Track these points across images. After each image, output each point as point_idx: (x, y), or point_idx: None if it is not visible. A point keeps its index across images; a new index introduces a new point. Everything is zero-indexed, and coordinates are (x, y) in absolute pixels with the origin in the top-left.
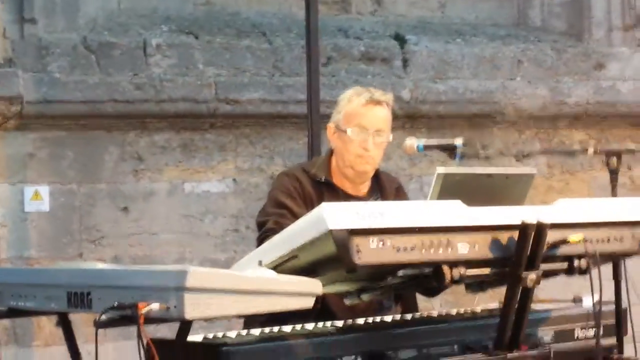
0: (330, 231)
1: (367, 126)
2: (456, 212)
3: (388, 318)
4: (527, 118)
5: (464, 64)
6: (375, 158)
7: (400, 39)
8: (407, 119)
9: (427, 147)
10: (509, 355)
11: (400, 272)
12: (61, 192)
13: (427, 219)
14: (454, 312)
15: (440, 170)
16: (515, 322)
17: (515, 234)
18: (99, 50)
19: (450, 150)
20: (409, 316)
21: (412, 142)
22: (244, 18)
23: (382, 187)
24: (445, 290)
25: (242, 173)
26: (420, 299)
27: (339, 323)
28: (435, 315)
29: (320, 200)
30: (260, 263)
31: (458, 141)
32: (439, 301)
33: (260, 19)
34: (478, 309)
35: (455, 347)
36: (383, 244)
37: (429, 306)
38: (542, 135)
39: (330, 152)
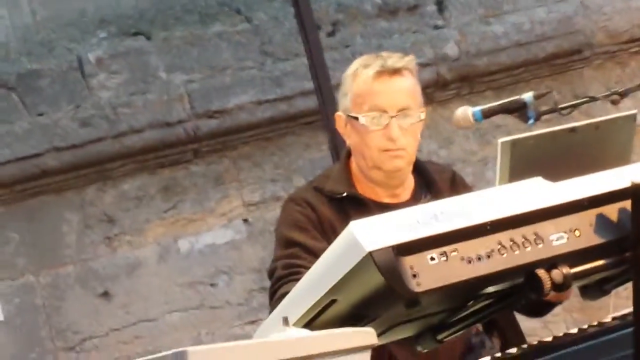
0: (370, 254)
1: (385, 107)
2: (538, 192)
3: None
4: (628, 42)
5: None
6: (408, 148)
7: None
8: (461, 82)
9: (486, 113)
10: None
11: (482, 291)
12: (14, 289)
13: (500, 210)
14: (573, 330)
15: (504, 140)
16: None
17: (627, 204)
18: (19, 84)
19: (519, 110)
20: (513, 351)
21: (465, 111)
22: None
23: (431, 183)
24: (561, 303)
25: (254, 209)
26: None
27: None
28: (550, 341)
29: (345, 224)
30: (285, 321)
31: (527, 96)
32: (562, 321)
33: None
34: (609, 319)
35: None
36: (446, 258)
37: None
38: None
39: (347, 154)
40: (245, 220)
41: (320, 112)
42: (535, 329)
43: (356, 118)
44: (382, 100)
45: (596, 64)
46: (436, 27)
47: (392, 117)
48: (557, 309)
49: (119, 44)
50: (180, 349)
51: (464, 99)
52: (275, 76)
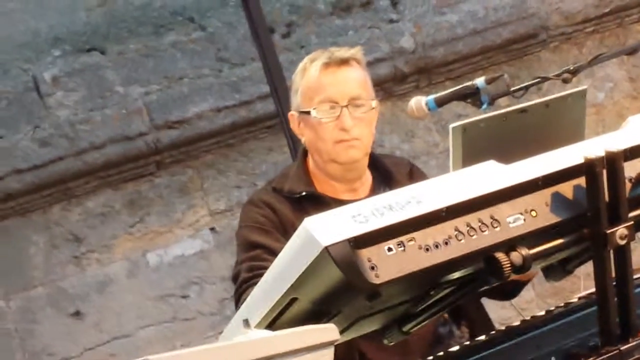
0: (327, 249)
1: (335, 98)
2: (491, 174)
3: (453, 349)
4: (583, 22)
5: None
6: (363, 138)
7: None
8: (419, 74)
9: (440, 101)
10: (623, 348)
11: (443, 279)
12: None
13: (454, 195)
14: (540, 313)
15: (455, 125)
16: (620, 300)
17: (582, 180)
18: None
19: (472, 95)
20: (482, 337)
21: (419, 101)
22: (159, 7)
23: (389, 177)
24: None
25: (220, 217)
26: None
27: None
28: (518, 325)
29: None
30: (246, 323)
31: (479, 81)
32: (536, 307)
33: (180, 0)
34: (575, 298)
35: (553, 359)
36: (404, 248)
37: (513, 317)
38: (610, 39)
39: (304, 153)
40: (213, 229)
41: (278, 115)
42: (511, 318)
43: (308, 113)
44: (331, 91)
45: (553, 46)
46: (391, 21)
47: (343, 107)
48: (530, 295)
49: (74, 61)
50: (142, 358)
51: (423, 91)
52: (233, 82)
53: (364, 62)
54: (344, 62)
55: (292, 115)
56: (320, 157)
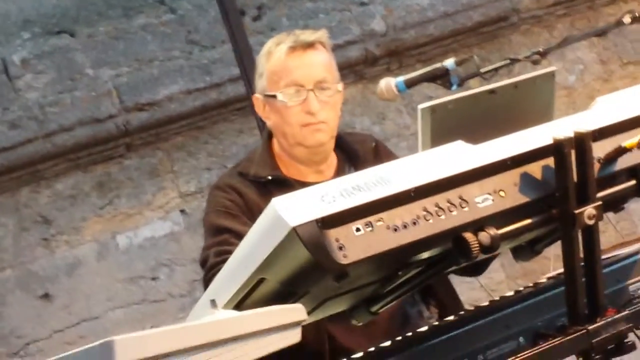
0: (294, 229)
1: (301, 81)
2: (460, 155)
3: (422, 329)
4: (554, 5)
5: None
6: (329, 121)
7: None
8: (390, 57)
9: (409, 83)
10: (591, 327)
11: (412, 259)
12: None
13: (423, 176)
14: (509, 293)
15: (423, 105)
16: (588, 280)
17: (550, 161)
18: None
19: (442, 77)
20: (450, 318)
21: (388, 82)
22: None
23: (355, 156)
24: (503, 264)
25: (190, 199)
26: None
27: (359, 355)
28: (487, 305)
29: None
30: (213, 303)
31: (449, 62)
32: (506, 288)
33: None
34: (544, 279)
35: (521, 339)
36: (372, 228)
37: (483, 298)
38: (581, 22)
39: (269, 136)
40: (183, 211)
41: (248, 97)
42: (480, 299)
43: (274, 96)
44: (297, 74)
45: (524, 29)
46: (362, 4)
47: (309, 90)
48: (500, 277)
49: (43, 44)
50: (108, 339)
51: (394, 73)
52: (203, 64)
53: (329, 45)
54: (310, 45)
55: (257, 98)
56: (286, 140)
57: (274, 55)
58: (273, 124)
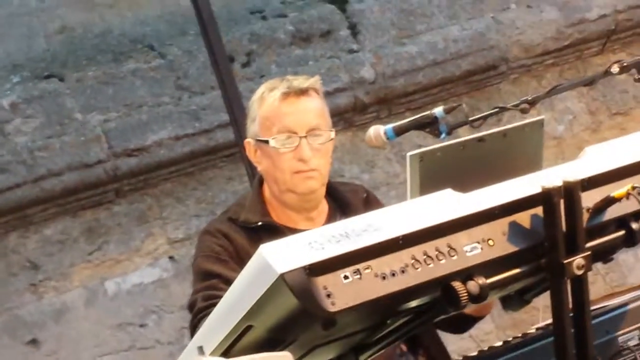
0: (282, 276)
1: (294, 128)
2: (449, 203)
3: None
4: (542, 54)
5: (433, 8)
6: (321, 168)
7: (339, 0)
8: (379, 105)
9: (398, 130)
10: None
11: (400, 307)
12: None
13: (411, 224)
14: (498, 343)
15: (412, 153)
16: (577, 331)
17: (539, 210)
18: None
19: (431, 125)
20: None
21: (377, 129)
22: (119, 35)
23: (345, 205)
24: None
25: (179, 245)
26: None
27: None
28: (475, 355)
29: None
30: (200, 350)
31: (438, 110)
32: (495, 339)
33: (140, 28)
34: (533, 330)
35: None
36: (360, 276)
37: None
38: (569, 72)
39: (260, 182)
40: (171, 258)
41: (238, 144)
42: (470, 349)
43: (266, 142)
44: (290, 121)
45: (512, 78)
46: (351, 51)
47: (302, 137)
48: (490, 327)
49: (32, 88)
50: None
51: (383, 121)
52: (193, 110)
53: (322, 92)
54: (303, 92)
55: (249, 142)
56: (278, 186)
57: (266, 100)
58: (264, 170)
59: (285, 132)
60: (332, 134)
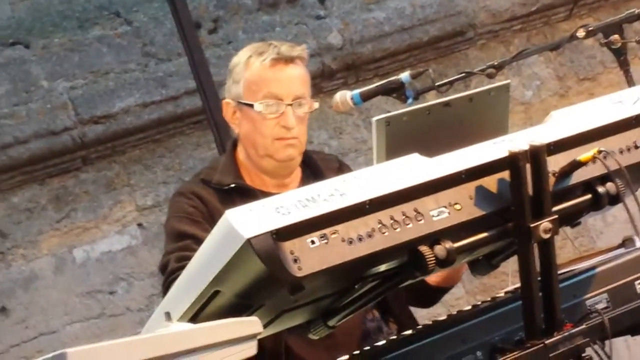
0: (249, 241)
1: (281, 95)
2: (415, 167)
3: (380, 343)
4: (510, 20)
5: None
6: (301, 137)
7: None
8: (347, 71)
9: (365, 96)
10: (548, 342)
11: (368, 272)
12: None
13: (378, 188)
14: (467, 307)
15: (378, 118)
16: (544, 294)
17: (506, 174)
18: None
19: (397, 90)
20: (409, 332)
21: (344, 95)
22: (84, 1)
23: (318, 173)
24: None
25: (148, 212)
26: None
27: None
28: (445, 319)
29: None
30: (167, 316)
31: (404, 75)
32: (465, 304)
33: None
34: (502, 293)
35: (479, 353)
36: (327, 240)
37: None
38: (537, 37)
39: (234, 145)
40: (140, 225)
41: (205, 111)
42: (440, 314)
43: (250, 105)
44: (278, 88)
45: (480, 44)
46: (318, 18)
47: (287, 105)
48: (460, 292)
49: None
50: (60, 351)
51: (351, 87)
52: (159, 77)
53: (307, 61)
54: (291, 60)
55: (228, 103)
56: (256, 150)
57: (254, 64)
58: (243, 132)
59: (272, 98)
60: (316, 105)
